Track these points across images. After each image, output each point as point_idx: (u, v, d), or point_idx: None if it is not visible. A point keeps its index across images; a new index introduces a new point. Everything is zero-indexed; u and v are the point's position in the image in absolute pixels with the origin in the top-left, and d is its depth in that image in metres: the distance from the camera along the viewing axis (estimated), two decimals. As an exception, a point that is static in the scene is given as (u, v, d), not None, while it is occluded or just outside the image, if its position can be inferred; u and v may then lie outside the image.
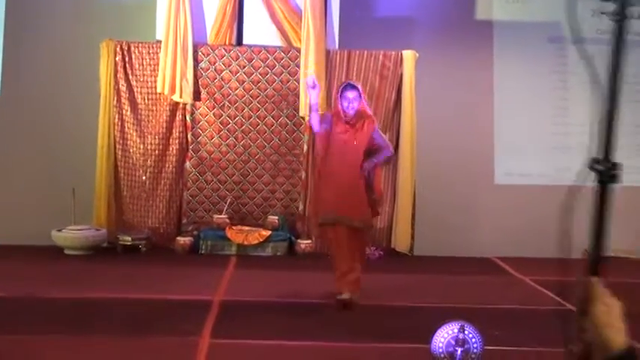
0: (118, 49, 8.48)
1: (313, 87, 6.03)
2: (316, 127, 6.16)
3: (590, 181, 1.89)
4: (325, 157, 6.21)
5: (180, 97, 8.40)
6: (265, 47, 8.63)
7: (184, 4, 8.35)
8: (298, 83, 8.48)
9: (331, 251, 6.39)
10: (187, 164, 8.62)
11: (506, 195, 9.22)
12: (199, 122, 8.59)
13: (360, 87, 6.25)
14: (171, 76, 8.34)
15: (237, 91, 8.61)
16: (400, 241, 8.69)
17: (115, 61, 8.48)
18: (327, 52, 8.55)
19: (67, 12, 8.88)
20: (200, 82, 8.55)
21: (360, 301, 6.11)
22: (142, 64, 8.54)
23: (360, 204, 6.11)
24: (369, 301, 6.32)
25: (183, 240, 8.38)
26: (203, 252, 8.33)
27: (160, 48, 8.40)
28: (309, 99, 6.25)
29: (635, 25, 1.84)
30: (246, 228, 8.44)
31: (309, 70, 8.26)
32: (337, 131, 6.11)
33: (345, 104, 6.09)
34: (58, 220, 8.18)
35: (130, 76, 8.54)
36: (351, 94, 6.10)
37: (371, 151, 6.21)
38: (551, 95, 9.43)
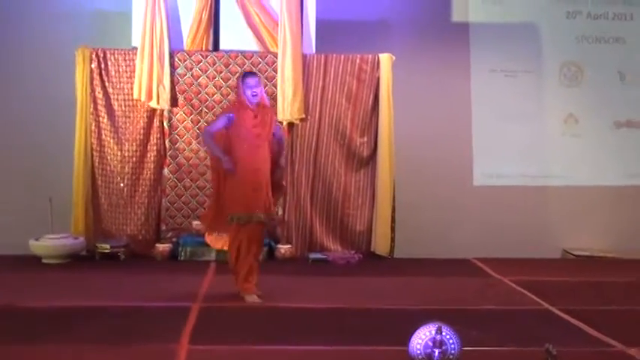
0: (93, 56, 8.43)
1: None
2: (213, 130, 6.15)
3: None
4: (232, 155, 6.04)
5: (157, 103, 8.38)
6: (242, 52, 8.62)
7: (160, 11, 8.31)
8: (275, 88, 8.46)
9: (234, 250, 6.23)
10: (165, 171, 8.58)
11: (485, 196, 9.27)
12: (177, 128, 8.56)
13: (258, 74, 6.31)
14: (147, 83, 8.31)
15: (214, 97, 8.58)
16: (380, 244, 8.69)
17: (91, 68, 8.43)
18: (304, 57, 8.54)
19: (42, 19, 8.83)
20: (177, 88, 8.52)
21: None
22: (118, 71, 8.49)
23: (268, 198, 6.10)
24: (348, 305, 6.34)
25: (162, 247, 8.35)
26: (182, 258, 8.29)
27: (136, 54, 8.37)
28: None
29: None
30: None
31: (287, 73, 8.28)
32: (247, 126, 6.04)
33: (249, 92, 6.04)
34: (35, 229, 8.09)
35: (107, 83, 8.49)
36: (252, 81, 6.07)
37: (271, 141, 6.22)
38: (527, 96, 9.48)
